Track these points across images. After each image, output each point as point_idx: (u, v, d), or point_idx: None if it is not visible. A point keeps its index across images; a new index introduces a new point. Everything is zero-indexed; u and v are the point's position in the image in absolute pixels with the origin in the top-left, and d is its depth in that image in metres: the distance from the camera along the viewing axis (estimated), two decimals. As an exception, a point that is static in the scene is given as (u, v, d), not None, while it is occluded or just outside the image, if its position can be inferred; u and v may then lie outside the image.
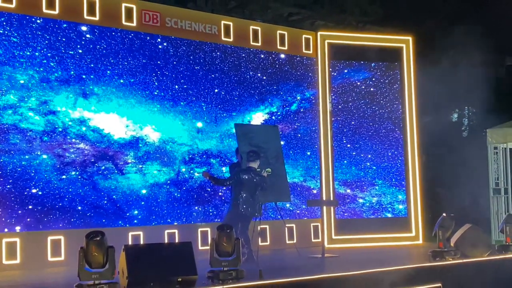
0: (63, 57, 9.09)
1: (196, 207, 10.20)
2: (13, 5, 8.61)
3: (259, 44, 10.92)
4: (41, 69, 8.92)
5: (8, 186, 8.55)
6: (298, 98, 11.51)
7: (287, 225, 10.28)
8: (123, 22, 9.53)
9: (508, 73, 18.91)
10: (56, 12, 8.92)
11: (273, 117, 11.25)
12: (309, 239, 11.05)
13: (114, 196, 9.44)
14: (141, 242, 9.20)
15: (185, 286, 6.04)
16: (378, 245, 10.92)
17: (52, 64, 9.01)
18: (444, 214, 8.89)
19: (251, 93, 10.91)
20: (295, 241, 10.48)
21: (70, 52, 9.14)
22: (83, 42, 9.23)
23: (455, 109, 18.29)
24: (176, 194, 10.02)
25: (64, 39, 9.09)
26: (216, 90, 10.52)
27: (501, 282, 8.39)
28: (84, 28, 9.21)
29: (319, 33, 11.66)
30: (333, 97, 11.54)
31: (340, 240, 11.02)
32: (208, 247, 6.57)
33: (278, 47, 11.17)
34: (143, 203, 9.68)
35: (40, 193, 8.79)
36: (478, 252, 8.73)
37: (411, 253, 10.23)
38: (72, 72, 9.15)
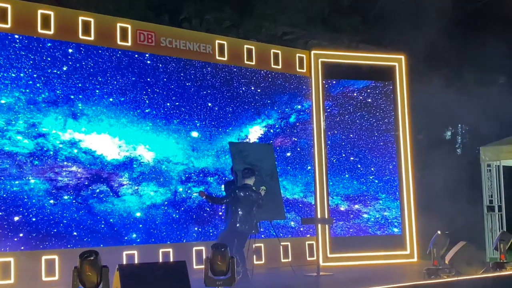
0: (49, 77, 8.93)
1: (196, 228, 10.05)
2: (8, 25, 8.65)
3: (253, 63, 10.98)
4: (27, 90, 8.74)
5: (0, 214, 8.37)
6: (299, 107, 11.46)
7: (282, 243, 10.27)
8: (118, 42, 9.56)
9: (501, 91, 19.02)
10: (51, 32, 8.94)
11: (271, 130, 11.16)
12: (304, 258, 11.02)
13: (111, 220, 9.28)
14: (136, 262, 9.14)
15: (179, 305, 6.02)
16: (373, 263, 10.90)
17: (38, 85, 8.84)
18: (439, 232, 8.91)
19: (245, 108, 10.83)
20: (290, 259, 10.46)
21: (56, 72, 8.99)
22: (70, 63, 9.10)
23: (448, 127, 18.38)
24: (174, 215, 9.88)
25: (49, 59, 8.94)
26: (209, 104, 10.41)
27: (496, 299, 8.40)
28: (70, 50, 9.14)
29: (312, 52, 11.74)
30: (329, 110, 11.55)
31: (335, 258, 10.99)
32: (203, 266, 6.56)
33: (272, 66, 11.23)
34: (141, 225, 9.53)
35: (34, 219, 8.61)
36: (472, 269, 8.74)
37: (406, 271, 10.22)
38: (59, 92, 8.98)
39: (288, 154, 11.27)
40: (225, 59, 10.65)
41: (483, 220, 12.30)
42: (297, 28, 16.29)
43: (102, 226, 9.20)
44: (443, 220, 11.62)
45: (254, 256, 9.75)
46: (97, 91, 9.35)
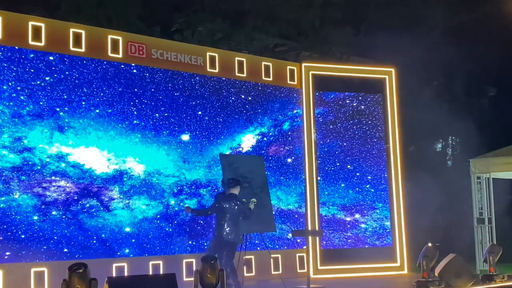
0: (33, 89, 8.72)
1: (190, 241, 9.92)
2: (-1, 37, 8.65)
3: (245, 75, 11.01)
4: (11, 103, 8.52)
5: (-13, 231, 8.14)
6: (294, 111, 11.38)
7: (272, 255, 10.26)
8: (109, 54, 9.54)
9: (491, 103, 19.16)
10: (42, 44, 8.93)
11: (265, 138, 11.06)
12: (295, 270, 11.01)
13: (103, 235, 9.10)
14: (125, 274, 9.06)
15: (168, 318, 6.00)
16: (363, 275, 10.90)
17: (22, 97, 8.62)
18: (430, 244, 8.93)
19: (236, 116, 10.71)
20: (280, 271, 10.44)
21: (40, 83, 8.76)
22: (55, 75, 8.91)
23: (439, 139, 18.45)
24: (167, 229, 9.74)
25: (32, 70, 8.73)
26: (199, 113, 10.29)
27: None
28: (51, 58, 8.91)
29: (303, 64, 11.79)
30: (321, 119, 11.56)
31: (325, 271, 10.99)
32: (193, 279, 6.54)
33: (263, 78, 11.26)
34: (133, 240, 9.38)
35: (23, 236, 8.41)
36: (462, 282, 8.76)
37: (396, 283, 10.23)
38: (42, 103, 8.73)
39: (289, 160, 11.15)
40: (216, 71, 10.67)
41: (473, 233, 12.34)
42: (288, 40, 16.38)
43: (94, 241, 9.03)
44: (433, 232, 11.66)
45: (245, 268, 9.73)
46: (83, 103, 9.15)
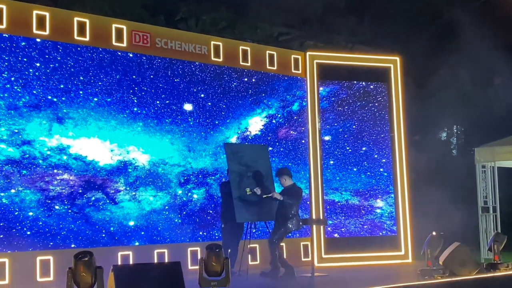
0: (27, 79, 8.45)
1: (201, 232, 9.85)
2: (3, 26, 8.61)
3: (249, 64, 10.98)
4: (6, 94, 8.26)
5: (-9, 229, 7.99)
6: (305, 88, 11.19)
7: (277, 244, 10.26)
8: (113, 43, 9.51)
9: (496, 92, 19.07)
10: (47, 33, 8.91)
11: (273, 121, 10.91)
12: (299, 258, 11.03)
13: (111, 229, 8.97)
14: (131, 262, 9.08)
15: (174, 306, 6.03)
16: (367, 263, 10.92)
17: (17, 88, 8.35)
18: (434, 233, 8.95)
19: (240, 102, 10.55)
20: (285, 260, 10.46)
21: (35, 73, 8.52)
22: (51, 65, 8.69)
23: (444, 128, 18.43)
24: (176, 220, 9.64)
25: (25, 59, 8.46)
26: (202, 95, 10.12)
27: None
28: (38, 41, 8.61)
29: (308, 53, 11.75)
30: (328, 99, 11.51)
31: (329, 259, 11.02)
32: (198, 267, 6.58)
33: (268, 67, 11.24)
34: (143, 233, 9.28)
35: (28, 232, 8.26)
36: (466, 270, 8.76)
37: (400, 271, 10.24)
38: (36, 92, 8.48)
39: (295, 146, 10.98)
40: (221, 60, 10.64)
41: (478, 221, 12.35)
42: (292, 29, 16.34)
43: (103, 235, 8.91)
44: (438, 221, 11.65)
45: (249, 257, 9.76)
46: (80, 92, 8.94)
